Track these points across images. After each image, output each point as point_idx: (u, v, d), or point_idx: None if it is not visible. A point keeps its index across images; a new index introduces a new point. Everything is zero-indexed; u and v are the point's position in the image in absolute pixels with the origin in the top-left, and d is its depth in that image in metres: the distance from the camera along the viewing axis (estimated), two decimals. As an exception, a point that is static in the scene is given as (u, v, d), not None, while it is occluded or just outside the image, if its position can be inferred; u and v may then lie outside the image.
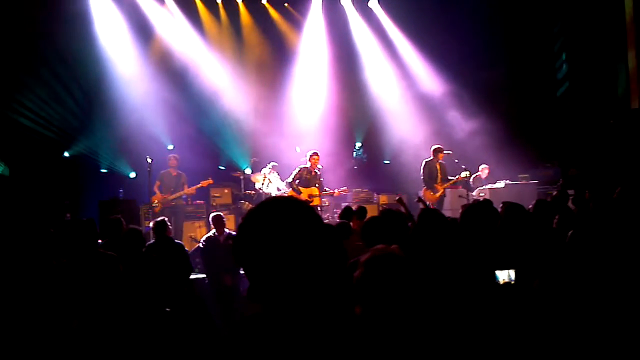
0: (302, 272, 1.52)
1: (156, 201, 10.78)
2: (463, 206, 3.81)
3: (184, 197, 11.17)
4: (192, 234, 10.86)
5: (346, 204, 12.49)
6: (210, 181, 11.07)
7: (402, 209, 6.44)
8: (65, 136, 12.39)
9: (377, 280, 2.20)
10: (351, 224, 6.79)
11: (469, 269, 2.52)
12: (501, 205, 6.23)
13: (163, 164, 11.10)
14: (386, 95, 14.56)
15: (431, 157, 11.34)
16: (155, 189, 10.86)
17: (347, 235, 6.02)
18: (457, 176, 11.24)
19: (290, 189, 10.91)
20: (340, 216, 7.84)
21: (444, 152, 11.47)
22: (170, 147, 12.91)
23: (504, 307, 2.33)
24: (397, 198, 8.36)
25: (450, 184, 11.36)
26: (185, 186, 10.97)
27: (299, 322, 1.49)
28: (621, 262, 3.20)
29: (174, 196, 10.79)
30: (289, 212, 1.56)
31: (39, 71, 11.79)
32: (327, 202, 11.53)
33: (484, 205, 3.52)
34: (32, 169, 11.44)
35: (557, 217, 4.94)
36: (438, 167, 11.31)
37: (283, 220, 1.54)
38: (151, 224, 7.92)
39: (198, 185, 10.99)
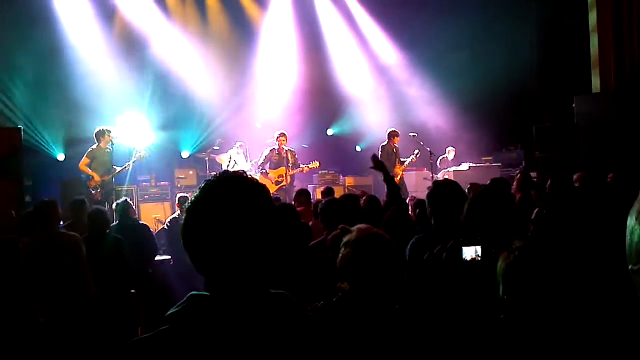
0: (249, 253, 1.41)
1: (93, 185, 9.44)
2: (428, 187, 3.80)
3: (124, 175, 9.86)
4: (156, 215, 10.71)
5: (312, 185, 12.55)
6: (144, 153, 9.88)
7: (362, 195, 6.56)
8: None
9: (368, 259, 2.31)
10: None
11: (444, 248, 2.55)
12: (468, 186, 6.37)
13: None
14: (352, 77, 14.51)
15: (387, 141, 11.41)
16: (84, 168, 9.54)
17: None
18: (411, 157, 11.39)
19: (259, 172, 10.82)
20: (324, 195, 7.90)
21: (410, 134, 11.62)
22: None
23: (471, 282, 2.39)
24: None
25: (406, 167, 11.50)
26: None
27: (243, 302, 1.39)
28: (581, 243, 3.28)
29: (110, 177, 9.48)
30: (234, 191, 1.43)
31: None
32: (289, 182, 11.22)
33: (451, 184, 3.54)
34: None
35: (519, 195, 5.04)
36: (394, 150, 11.41)
37: (228, 201, 1.42)
38: (114, 205, 7.74)
39: (133, 159, 9.73)
